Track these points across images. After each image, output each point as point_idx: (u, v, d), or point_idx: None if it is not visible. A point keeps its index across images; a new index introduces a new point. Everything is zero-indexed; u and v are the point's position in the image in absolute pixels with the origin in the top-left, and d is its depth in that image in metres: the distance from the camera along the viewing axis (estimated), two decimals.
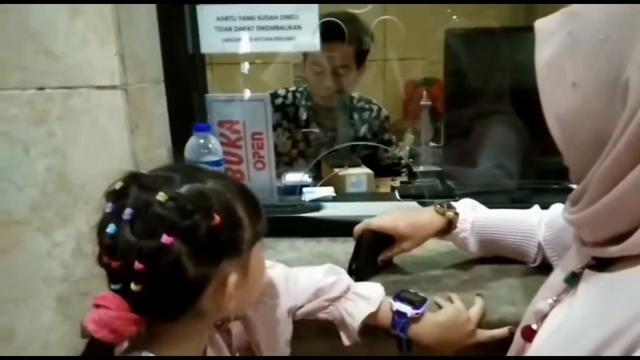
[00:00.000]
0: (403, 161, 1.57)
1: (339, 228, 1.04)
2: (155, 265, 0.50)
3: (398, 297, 0.76)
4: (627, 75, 0.44)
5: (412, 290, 0.79)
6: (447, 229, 0.88)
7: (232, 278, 0.55)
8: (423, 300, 0.76)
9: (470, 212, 0.89)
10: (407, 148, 1.65)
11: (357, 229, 0.90)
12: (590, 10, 0.49)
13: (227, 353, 0.69)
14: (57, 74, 0.86)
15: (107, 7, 0.83)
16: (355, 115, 1.61)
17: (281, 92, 1.61)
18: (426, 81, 2.24)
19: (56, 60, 0.85)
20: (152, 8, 0.96)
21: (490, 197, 1.10)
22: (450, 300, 0.80)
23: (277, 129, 1.56)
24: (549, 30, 0.52)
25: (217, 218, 0.52)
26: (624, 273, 0.48)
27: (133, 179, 0.54)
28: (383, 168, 1.56)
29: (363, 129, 1.60)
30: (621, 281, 0.48)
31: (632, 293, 0.46)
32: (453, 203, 0.90)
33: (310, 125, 1.58)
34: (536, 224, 0.86)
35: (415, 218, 0.88)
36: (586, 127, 0.48)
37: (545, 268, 0.82)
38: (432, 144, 1.37)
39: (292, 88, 1.62)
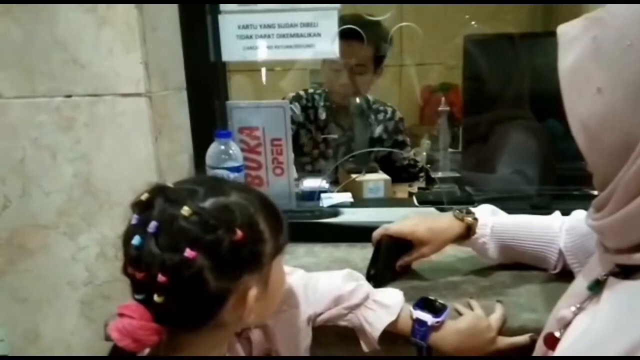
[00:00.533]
0: (419, 164, 1.58)
1: (357, 233, 1.04)
2: (178, 278, 0.51)
3: (418, 305, 0.76)
4: None
5: (432, 297, 0.79)
6: (466, 234, 0.87)
7: (253, 292, 0.55)
8: (443, 308, 0.76)
9: (489, 218, 0.89)
10: (424, 154, 1.66)
11: (376, 234, 0.90)
12: (614, 16, 0.49)
13: None
14: (84, 82, 0.88)
15: (132, 17, 0.85)
16: (371, 117, 1.64)
17: (302, 93, 1.65)
18: (443, 86, 2.24)
19: (83, 68, 0.88)
20: (175, 17, 0.99)
21: (510, 203, 1.10)
22: (470, 307, 0.80)
23: (301, 130, 1.60)
24: (572, 36, 0.52)
25: (239, 233, 0.53)
26: None
27: (159, 191, 0.55)
28: (399, 169, 1.57)
29: (378, 130, 1.64)
30: None
31: None
32: (472, 209, 0.90)
33: (328, 125, 1.62)
34: (557, 230, 0.85)
35: (434, 223, 0.88)
36: (612, 133, 0.48)
37: (565, 275, 0.82)
38: (449, 149, 1.37)
39: (310, 90, 1.67)
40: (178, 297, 0.52)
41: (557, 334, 0.56)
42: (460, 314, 0.78)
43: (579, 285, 0.58)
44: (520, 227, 0.88)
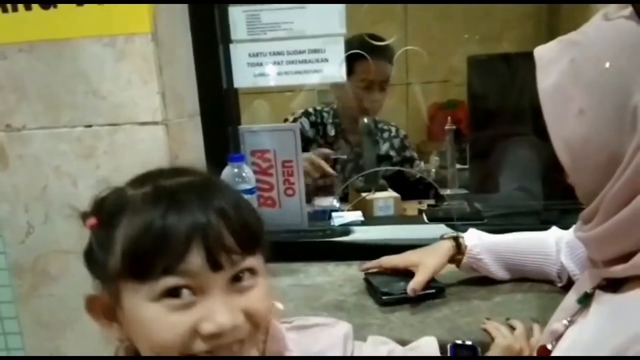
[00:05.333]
0: (430, 177, 1.62)
1: (369, 251, 1.06)
2: None
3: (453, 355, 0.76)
4: (635, 102, 0.47)
5: (458, 342, 0.78)
6: (458, 250, 0.91)
7: (91, 295, 0.50)
8: (474, 350, 0.76)
9: (475, 232, 0.93)
10: (433, 170, 1.68)
11: (369, 265, 0.96)
12: (590, 39, 0.51)
13: None
14: (104, 113, 0.92)
15: (149, 50, 0.90)
16: (377, 134, 1.70)
17: (310, 110, 1.72)
18: (451, 103, 2.27)
19: (103, 99, 0.92)
20: (189, 48, 1.03)
21: (519, 219, 1.12)
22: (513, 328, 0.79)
23: (311, 146, 1.66)
24: (550, 58, 0.54)
25: (92, 220, 0.48)
26: (630, 294, 0.50)
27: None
28: (411, 184, 1.60)
29: (385, 147, 1.70)
30: (626, 302, 0.50)
31: (633, 314, 0.47)
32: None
33: (337, 142, 1.68)
34: (552, 243, 0.88)
35: (423, 249, 0.93)
36: (596, 151, 0.50)
37: None
38: (458, 165, 1.39)
39: (319, 107, 1.73)
40: None
41: (549, 346, 0.58)
42: (490, 334, 0.78)
43: (571, 299, 0.60)
44: (512, 240, 0.92)
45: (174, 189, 0.47)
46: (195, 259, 0.44)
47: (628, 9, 0.49)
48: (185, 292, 0.44)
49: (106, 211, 0.48)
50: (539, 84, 0.54)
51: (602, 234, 0.51)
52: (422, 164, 1.73)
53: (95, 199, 0.50)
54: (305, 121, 1.66)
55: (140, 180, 0.50)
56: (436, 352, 0.73)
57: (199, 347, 0.45)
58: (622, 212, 0.49)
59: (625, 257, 0.50)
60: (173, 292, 0.44)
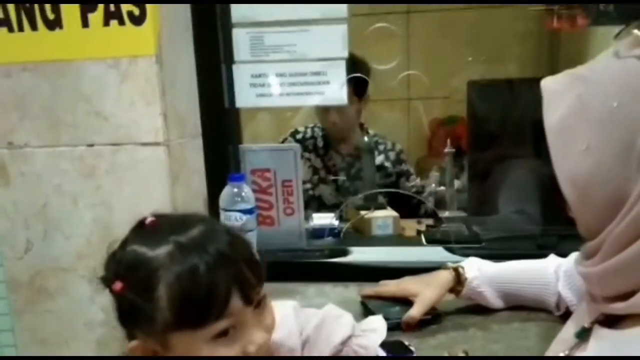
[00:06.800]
0: (426, 190, 1.63)
1: (367, 273, 1.06)
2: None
3: (385, 345, 0.76)
4: None
5: (406, 343, 0.79)
6: (458, 280, 0.89)
7: (132, 344, 0.56)
8: (405, 352, 0.76)
9: (475, 262, 0.92)
10: (433, 185, 1.69)
11: (367, 292, 0.95)
12: (599, 76, 0.51)
13: None
14: (106, 132, 0.93)
15: (153, 72, 0.91)
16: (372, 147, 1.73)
17: (301, 129, 1.78)
18: (451, 119, 2.28)
19: (105, 120, 0.93)
20: (192, 68, 1.04)
21: (516, 243, 1.12)
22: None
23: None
24: (557, 91, 0.54)
25: (118, 285, 0.54)
26: (630, 331, 0.50)
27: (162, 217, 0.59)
28: (407, 198, 1.60)
29: (380, 158, 1.72)
30: (627, 339, 0.50)
31: (634, 352, 0.47)
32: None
33: (328, 152, 1.73)
34: (552, 272, 0.87)
35: (422, 276, 0.92)
36: (601, 188, 0.50)
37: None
38: (459, 181, 1.39)
39: (311, 125, 1.78)
40: None
41: None
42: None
43: (568, 332, 0.59)
44: (512, 271, 0.90)
45: (195, 243, 0.54)
46: (235, 302, 0.54)
47: (639, 49, 0.49)
48: (231, 329, 0.55)
49: (132, 274, 0.54)
50: (545, 117, 0.54)
51: (604, 272, 0.51)
52: (418, 179, 1.75)
53: (108, 261, 0.57)
54: (290, 140, 1.71)
55: (151, 239, 0.55)
56: (383, 328, 0.76)
57: None
58: (625, 252, 0.49)
59: (626, 295, 0.50)
60: (222, 332, 0.54)
